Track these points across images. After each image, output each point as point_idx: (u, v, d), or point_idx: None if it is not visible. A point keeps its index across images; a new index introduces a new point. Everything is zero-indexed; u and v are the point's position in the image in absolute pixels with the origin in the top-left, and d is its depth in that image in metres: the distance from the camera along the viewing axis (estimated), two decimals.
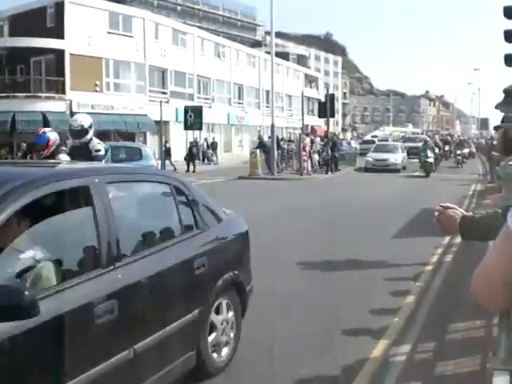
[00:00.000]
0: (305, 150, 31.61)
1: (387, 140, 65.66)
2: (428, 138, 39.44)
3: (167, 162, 36.16)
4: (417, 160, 34.70)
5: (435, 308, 7.31)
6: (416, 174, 32.09)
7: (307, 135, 37.65)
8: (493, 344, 5.25)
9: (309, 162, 32.42)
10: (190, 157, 37.14)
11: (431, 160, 31.54)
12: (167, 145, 38.23)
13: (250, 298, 5.86)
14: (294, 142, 40.74)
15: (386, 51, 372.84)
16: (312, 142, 35.52)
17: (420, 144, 49.59)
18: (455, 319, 6.57)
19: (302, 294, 7.93)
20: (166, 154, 36.65)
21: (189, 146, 38.49)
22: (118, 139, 33.98)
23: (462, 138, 63.59)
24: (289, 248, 11.40)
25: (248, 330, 6.38)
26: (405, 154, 38.47)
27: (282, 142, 38.98)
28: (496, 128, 9.01)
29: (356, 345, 5.97)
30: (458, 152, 42.76)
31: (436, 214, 2.86)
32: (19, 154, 33.57)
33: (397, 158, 36.01)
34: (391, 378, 5.16)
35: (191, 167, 36.26)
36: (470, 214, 2.94)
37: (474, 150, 54.19)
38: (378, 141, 59.16)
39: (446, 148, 46.80)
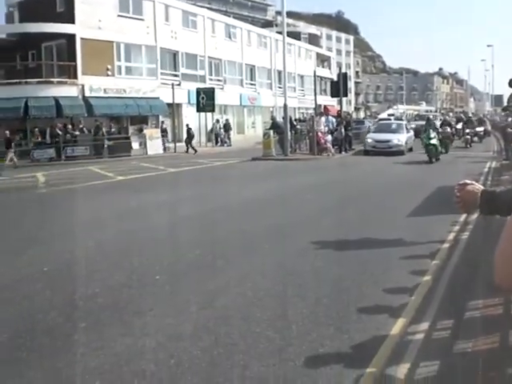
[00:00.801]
0: (321, 132, 31.44)
1: (401, 119, 64.85)
2: (431, 116, 35.28)
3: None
4: None
5: (453, 286, 7.26)
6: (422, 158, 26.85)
7: (321, 114, 37.32)
8: None
9: (329, 142, 32.25)
10: (189, 139, 37.90)
11: (434, 141, 26.33)
12: (189, 128, 39.60)
13: None
14: (305, 122, 40.55)
15: (399, 29, 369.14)
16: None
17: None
18: (473, 297, 6.52)
19: (318, 273, 7.93)
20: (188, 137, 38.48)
21: (186, 129, 39.11)
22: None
23: (470, 115, 58.43)
24: (304, 227, 11.41)
25: (264, 308, 6.40)
26: (411, 133, 34.53)
27: (295, 122, 38.65)
28: (504, 109, 8.90)
29: (374, 323, 5.94)
30: (467, 131, 39.04)
31: (456, 191, 2.84)
32: (32, 140, 33.72)
33: (400, 138, 31.64)
34: (410, 355, 5.13)
35: (190, 150, 37.07)
36: (490, 188, 2.91)
37: (490, 127, 50.22)
38: (394, 119, 58.18)
39: (459, 126, 41.77)
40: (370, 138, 32.70)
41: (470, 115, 58.51)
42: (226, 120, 48.24)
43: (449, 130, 33.11)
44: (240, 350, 5.32)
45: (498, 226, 1.54)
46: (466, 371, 4.82)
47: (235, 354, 5.23)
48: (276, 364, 5.02)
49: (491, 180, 17.99)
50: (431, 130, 27.30)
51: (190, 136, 38.40)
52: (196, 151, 36.43)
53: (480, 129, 42.77)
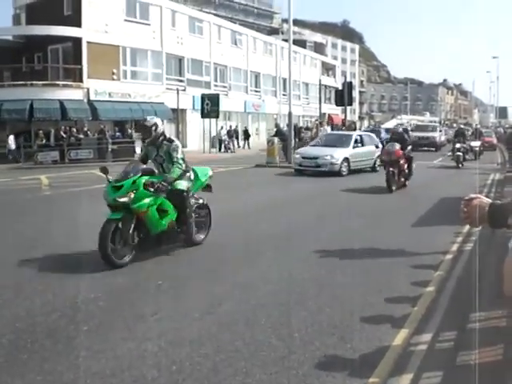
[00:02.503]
0: None
1: (407, 129, 64.20)
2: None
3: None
4: (424, 152, 29.87)
5: (456, 297, 7.24)
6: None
7: (321, 124, 37.30)
8: None
9: None
10: None
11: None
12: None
13: None
14: (310, 130, 40.64)
15: (404, 39, 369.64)
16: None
17: (431, 134, 43.97)
18: (476, 308, 6.50)
19: (321, 282, 7.90)
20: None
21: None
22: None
23: (462, 126, 46.50)
24: (307, 235, 11.38)
25: (267, 316, 6.37)
26: (368, 148, 26.09)
27: (301, 130, 38.61)
28: None
29: (377, 333, 5.91)
30: (458, 146, 28.88)
31: (462, 206, 2.81)
32: (37, 142, 33.76)
33: (336, 154, 24.10)
34: (413, 366, 5.11)
35: None
36: (498, 201, 2.88)
37: (495, 140, 46.61)
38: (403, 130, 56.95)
39: (457, 145, 29.04)
40: (299, 153, 26.17)
41: (462, 126, 48.61)
42: (237, 126, 48.96)
43: (397, 147, 19.27)
44: (242, 357, 5.30)
45: (502, 238, 1.53)
46: (468, 383, 4.79)
47: (237, 361, 5.21)
48: (278, 372, 5.00)
49: (494, 192, 17.94)
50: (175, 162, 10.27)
51: None
52: None
53: (476, 143, 34.03)
